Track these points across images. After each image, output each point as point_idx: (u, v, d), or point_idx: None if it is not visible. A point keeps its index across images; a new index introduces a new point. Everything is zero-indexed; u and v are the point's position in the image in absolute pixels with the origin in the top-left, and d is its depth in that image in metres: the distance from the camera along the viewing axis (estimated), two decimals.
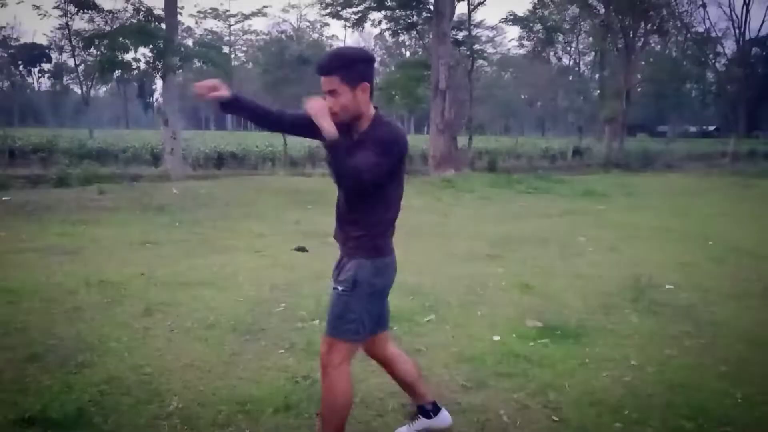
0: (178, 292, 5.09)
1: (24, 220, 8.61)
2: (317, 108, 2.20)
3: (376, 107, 2.38)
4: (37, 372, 3.42)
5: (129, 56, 15.82)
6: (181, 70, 16.06)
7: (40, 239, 7.28)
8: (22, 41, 70.57)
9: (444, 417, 2.79)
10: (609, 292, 5.37)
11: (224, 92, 2.35)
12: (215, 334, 4.11)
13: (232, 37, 69.51)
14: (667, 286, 5.56)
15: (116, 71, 15.78)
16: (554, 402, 3.19)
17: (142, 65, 15.08)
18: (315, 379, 3.35)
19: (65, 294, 4.94)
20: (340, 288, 2.39)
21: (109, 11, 17.01)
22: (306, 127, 2.33)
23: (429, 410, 2.77)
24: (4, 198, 9.91)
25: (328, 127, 2.18)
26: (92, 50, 16.05)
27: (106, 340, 3.94)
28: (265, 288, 5.28)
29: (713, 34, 49.09)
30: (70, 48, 41.26)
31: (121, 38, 13.91)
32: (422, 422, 2.78)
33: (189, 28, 59.96)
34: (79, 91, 62.39)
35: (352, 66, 2.28)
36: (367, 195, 2.33)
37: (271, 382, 3.37)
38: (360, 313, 2.37)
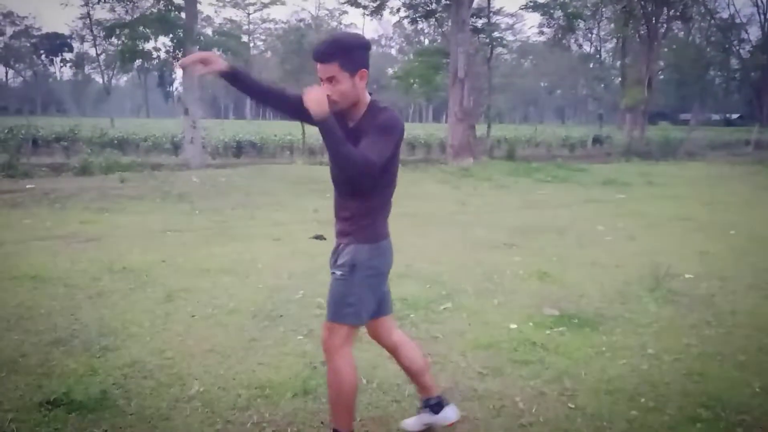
0: (198, 278, 5.17)
1: (48, 207, 8.77)
2: (313, 97, 2.15)
3: (370, 93, 2.38)
4: (61, 356, 3.50)
5: (150, 45, 16.02)
6: None
7: (63, 226, 7.41)
8: (44, 31, 71.35)
9: (448, 414, 2.75)
10: (627, 281, 5.35)
11: (219, 65, 2.31)
12: (235, 320, 4.18)
13: (251, 26, 69.64)
14: (686, 276, 5.53)
15: (137, 60, 15.92)
16: (570, 389, 3.21)
17: (162, 54, 15.19)
18: None
19: (89, 280, 5.04)
20: (338, 273, 2.39)
21: (131, 0, 17.12)
22: (304, 111, 2.26)
23: (432, 404, 2.73)
24: (28, 186, 10.10)
25: (317, 107, 2.14)
26: (113, 40, 16.14)
27: (128, 325, 4.02)
28: (283, 275, 5.34)
29: (738, 21, 48.17)
30: (91, 37, 41.65)
31: (142, 27, 14.03)
32: (427, 416, 2.76)
33: (208, 17, 60.25)
34: (100, 81, 63.10)
35: (351, 52, 2.26)
36: (364, 182, 2.31)
37: (289, 367, 3.42)
38: (359, 296, 2.37)
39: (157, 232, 7.25)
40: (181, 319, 4.19)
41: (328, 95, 2.22)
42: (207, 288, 4.91)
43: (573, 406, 3.04)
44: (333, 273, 2.43)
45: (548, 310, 4.49)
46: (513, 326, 4.16)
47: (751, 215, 9.32)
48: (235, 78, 2.38)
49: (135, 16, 18.98)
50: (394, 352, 2.71)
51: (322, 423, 2.83)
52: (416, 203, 10.12)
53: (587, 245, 6.97)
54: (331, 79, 2.25)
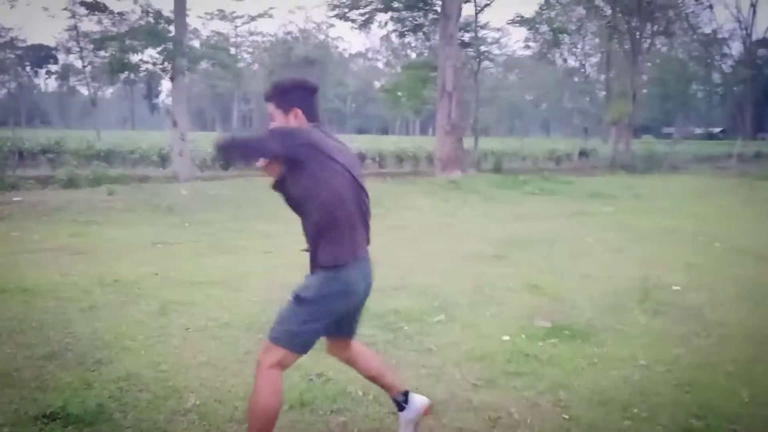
0: (191, 291, 5.16)
1: (36, 220, 8.71)
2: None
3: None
4: (55, 369, 3.49)
5: (138, 58, 15.98)
6: (188, 71, 16.16)
7: (52, 239, 7.37)
8: (29, 42, 70.92)
9: (416, 403, 2.79)
10: (617, 292, 5.42)
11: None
12: (230, 333, 4.18)
13: (239, 39, 69.72)
14: (674, 287, 5.60)
15: (126, 73, 15.89)
16: (564, 400, 3.25)
17: (151, 67, 15.18)
18: (329, 377, 3.42)
19: (80, 293, 5.02)
20: (290, 296, 2.43)
21: (119, 13, 17.13)
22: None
23: (401, 401, 2.78)
24: (15, 198, 10.03)
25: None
26: (102, 52, 16.10)
27: (122, 338, 4.01)
28: (276, 288, 5.34)
29: (720, 36, 49.03)
30: (78, 49, 41.52)
31: (132, 40, 14.03)
32: (402, 416, 2.79)
33: (195, 30, 60.26)
34: (85, 92, 62.80)
35: (285, 94, 2.51)
36: (302, 206, 2.42)
37: (285, 379, 3.39)
38: (299, 326, 2.36)
39: (147, 245, 7.23)
40: (175, 332, 4.18)
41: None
42: (200, 301, 4.90)
43: (567, 416, 3.07)
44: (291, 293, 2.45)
45: (540, 321, 4.54)
46: (506, 338, 4.20)
47: (736, 227, 9.47)
48: None
49: (122, 29, 18.97)
50: (351, 364, 2.77)
51: None
52: (406, 215, 10.18)
53: (576, 257, 7.04)
54: (271, 116, 2.52)
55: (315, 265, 2.42)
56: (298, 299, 2.37)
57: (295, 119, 2.48)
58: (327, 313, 2.40)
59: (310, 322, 2.37)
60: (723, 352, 4.01)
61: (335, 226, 2.39)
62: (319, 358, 3.67)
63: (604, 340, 4.18)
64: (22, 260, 6.22)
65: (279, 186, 2.43)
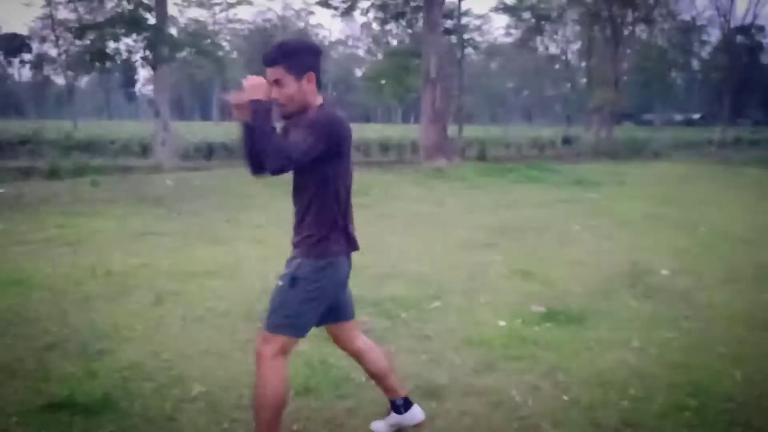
0: (185, 281, 5.16)
1: (21, 212, 8.60)
2: (253, 83, 2.19)
3: (324, 100, 2.38)
4: (57, 360, 3.49)
5: (118, 46, 15.76)
6: (173, 61, 16.01)
7: (39, 231, 7.29)
8: (2, 31, 69.49)
9: (415, 413, 2.77)
10: (607, 277, 5.51)
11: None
12: (228, 322, 4.20)
13: (217, 26, 68.89)
14: (662, 272, 5.71)
15: (106, 61, 15.68)
16: (563, 382, 3.32)
17: (134, 56, 15.01)
18: (331, 364, 3.46)
19: (73, 285, 5.00)
20: (279, 282, 2.38)
21: (99, 1, 16.86)
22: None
23: (400, 405, 2.74)
24: None
25: (252, 94, 2.16)
26: (81, 40, 15.85)
27: (120, 328, 4.01)
28: (270, 277, 5.32)
29: (699, 23, 49.48)
30: (54, 38, 40.76)
31: (112, 28, 13.85)
32: (393, 417, 2.77)
33: (172, 17, 59.34)
34: (60, 82, 61.75)
35: (296, 56, 2.29)
36: (308, 190, 2.32)
37: (288, 367, 3.45)
38: (297, 310, 2.34)
39: (136, 236, 7.18)
40: (173, 322, 4.19)
41: (275, 98, 2.25)
42: (195, 291, 4.91)
43: (567, 398, 3.15)
44: (277, 281, 2.40)
45: (535, 307, 4.61)
46: (502, 323, 4.27)
47: (719, 212, 9.64)
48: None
49: (98, 17, 18.66)
50: (358, 358, 2.71)
51: (326, 420, 2.90)
52: (394, 204, 10.21)
53: (565, 244, 7.13)
54: (278, 82, 2.28)
55: (305, 252, 2.35)
56: (294, 280, 2.32)
57: (309, 84, 2.31)
58: (323, 294, 2.38)
59: (307, 302, 2.35)
60: (713, 334, 4.11)
61: (340, 219, 2.39)
62: (320, 346, 3.72)
63: (598, 324, 4.26)
64: (11, 252, 6.16)
65: (296, 171, 2.33)
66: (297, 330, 2.39)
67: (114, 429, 2.75)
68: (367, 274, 5.49)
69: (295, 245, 2.41)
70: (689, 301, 4.86)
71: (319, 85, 2.35)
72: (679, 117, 65.10)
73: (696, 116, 65.45)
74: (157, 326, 4.09)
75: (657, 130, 37.91)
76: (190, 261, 5.92)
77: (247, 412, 2.94)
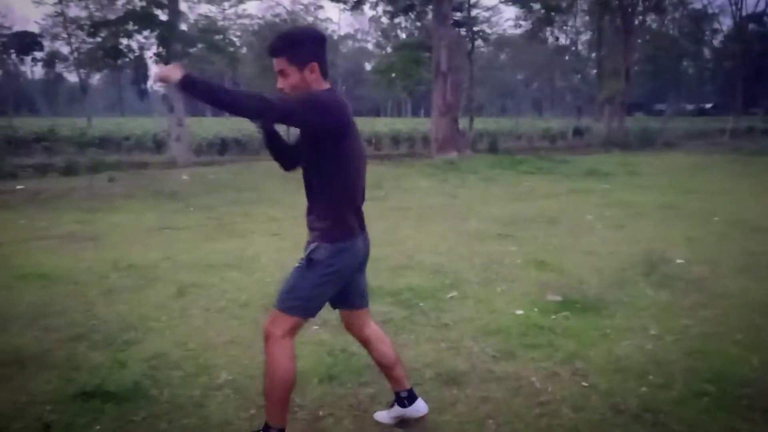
0: (205, 274, 5.25)
1: (40, 208, 8.74)
2: (164, 72, 2.09)
3: (331, 86, 2.40)
4: (86, 350, 3.58)
5: (130, 42, 15.91)
6: (186, 57, 16.12)
7: (59, 226, 7.41)
8: (14, 29, 69.86)
9: (419, 406, 2.75)
10: (622, 267, 5.54)
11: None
12: (249, 313, 4.27)
13: (227, 22, 69.02)
14: (677, 261, 5.73)
15: (119, 58, 15.81)
16: (582, 369, 3.37)
17: (146, 52, 15.15)
18: (352, 352, 3.52)
19: (96, 278, 5.10)
20: (297, 264, 2.43)
21: None
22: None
23: (404, 398, 2.74)
24: (18, 187, 10.04)
25: (172, 75, 2.06)
26: (94, 38, 15.98)
27: (145, 319, 4.10)
28: (288, 268, 5.38)
29: (710, 11, 49.01)
30: (66, 35, 40.95)
31: (126, 25, 13.97)
32: (397, 410, 2.77)
33: (182, 13, 59.52)
34: (72, 80, 62.10)
35: (299, 46, 2.30)
36: (320, 174, 2.35)
37: (310, 355, 3.53)
38: (311, 291, 2.38)
39: (154, 230, 7.29)
40: (196, 313, 4.28)
41: (279, 88, 2.30)
42: (216, 283, 4.99)
43: (586, 384, 3.20)
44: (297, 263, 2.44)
45: (551, 296, 4.66)
46: (519, 312, 4.32)
47: (732, 202, 9.61)
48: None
49: (108, 14, 18.76)
50: (366, 345, 2.72)
51: (350, 405, 2.96)
52: (407, 197, 10.27)
53: (579, 234, 7.16)
54: (282, 72, 2.31)
55: (320, 236, 2.39)
56: (310, 262, 2.37)
57: (312, 74, 2.32)
58: (338, 277, 2.43)
59: (321, 285, 2.39)
60: (729, 321, 4.14)
61: (352, 201, 2.45)
62: (341, 335, 3.79)
63: (614, 312, 4.30)
64: (33, 247, 6.28)
65: (305, 155, 2.38)
66: (308, 312, 2.44)
67: (145, 416, 2.84)
68: (383, 265, 5.57)
69: (310, 229, 2.46)
70: (705, 289, 4.88)
71: (324, 74, 2.37)
72: (690, 107, 64.43)
73: (708, 106, 64.73)
74: (180, 317, 4.18)
75: (668, 120, 37.55)
76: (209, 254, 6.01)
77: None
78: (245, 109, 2.12)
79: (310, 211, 2.46)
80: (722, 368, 3.36)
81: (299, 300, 2.39)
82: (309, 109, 2.23)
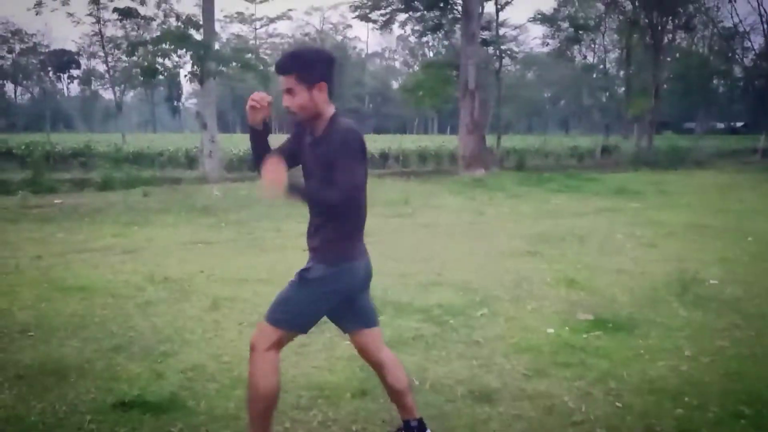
0: (239, 288, 5.33)
1: (78, 221, 8.96)
2: (269, 178, 2.26)
3: (337, 108, 2.42)
4: (124, 361, 3.67)
5: (164, 61, 16.30)
6: (220, 75, 16.48)
7: (97, 240, 7.60)
8: (52, 48, 71.97)
9: None
10: (654, 286, 5.49)
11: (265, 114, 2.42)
12: None
13: (258, 41, 70.25)
14: (711, 281, 5.67)
15: (158, 76, 16.22)
16: (615, 389, 3.35)
17: (180, 71, 15.52)
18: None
19: (133, 290, 5.22)
20: (293, 278, 2.45)
21: (146, 18, 17.46)
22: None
23: (414, 427, 2.70)
24: (56, 201, 10.31)
25: (271, 190, 2.26)
26: (127, 57, 16.45)
27: (181, 331, 4.19)
28: None
29: (741, 29, 48.40)
30: (102, 54, 42.15)
31: (164, 44, 14.37)
32: None
33: (216, 33, 60.81)
34: (108, 97, 63.66)
35: (308, 66, 2.32)
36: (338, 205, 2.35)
37: (343, 370, 3.57)
38: (300, 307, 2.40)
39: (188, 245, 7.43)
40: (230, 326, 4.35)
41: (286, 106, 2.34)
42: (249, 297, 5.07)
43: (620, 405, 3.18)
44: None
45: (582, 315, 4.64)
46: (550, 330, 4.31)
47: (765, 221, 9.46)
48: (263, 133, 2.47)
49: (146, 34, 19.31)
50: (379, 369, 2.67)
51: (383, 421, 2.99)
52: (435, 213, 10.31)
53: (609, 253, 7.11)
54: (289, 91, 2.32)
55: (321, 257, 2.42)
56: (304, 280, 2.40)
57: (320, 94, 2.33)
58: (333, 297, 2.45)
59: (314, 303, 2.41)
60: (765, 343, 4.09)
61: (357, 225, 2.47)
62: None
63: (647, 332, 4.27)
64: (72, 260, 6.44)
65: (317, 178, 2.40)
66: (295, 326, 2.46)
67: (182, 427, 2.90)
68: (412, 281, 5.61)
69: (310, 248, 2.49)
70: (740, 310, 4.82)
71: (332, 95, 2.39)
72: (721, 125, 63.52)
73: (739, 124, 63.75)
74: (215, 330, 4.26)
75: (698, 138, 37.08)
76: (242, 269, 6.10)
77: (305, 413, 3.07)
78: (325, 200, 2.31)
79: (316, 232, 2.47)
80: (759, 390, 3.32)
81: (287, 314, 2.42)
82: (362, 160, 2.33)
